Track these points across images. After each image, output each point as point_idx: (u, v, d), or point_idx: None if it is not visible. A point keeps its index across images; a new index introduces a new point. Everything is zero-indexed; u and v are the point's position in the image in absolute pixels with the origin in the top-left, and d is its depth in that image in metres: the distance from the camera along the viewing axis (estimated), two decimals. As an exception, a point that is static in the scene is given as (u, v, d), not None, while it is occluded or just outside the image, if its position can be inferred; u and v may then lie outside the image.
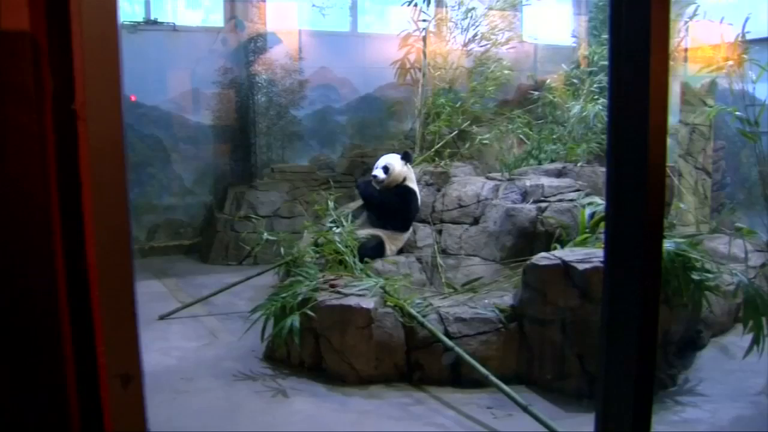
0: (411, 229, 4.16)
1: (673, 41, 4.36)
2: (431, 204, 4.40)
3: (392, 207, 3.99)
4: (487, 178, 4.56)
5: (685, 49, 4.59)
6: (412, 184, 4.13)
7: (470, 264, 3.87)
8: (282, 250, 3.67)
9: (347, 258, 3.42)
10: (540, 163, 4.77)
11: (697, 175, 4.50)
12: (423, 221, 4.34)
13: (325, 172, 5.94)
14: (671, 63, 4.36)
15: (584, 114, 4.68)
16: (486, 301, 3.06)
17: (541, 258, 2.87)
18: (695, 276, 2.59)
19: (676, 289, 2.55)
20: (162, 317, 3.68)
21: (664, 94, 1.08)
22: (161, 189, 5.73)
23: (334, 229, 3.68)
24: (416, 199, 4.13)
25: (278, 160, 5.91)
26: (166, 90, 5.60)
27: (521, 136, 4.99)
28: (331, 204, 3.92)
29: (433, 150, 4.95)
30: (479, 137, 4.93)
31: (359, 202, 4.37)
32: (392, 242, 4.03)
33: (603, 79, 4.73)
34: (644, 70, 1.04)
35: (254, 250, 4.65)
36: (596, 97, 4.80)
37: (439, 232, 4.24)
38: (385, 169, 4.03)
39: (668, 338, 2.72)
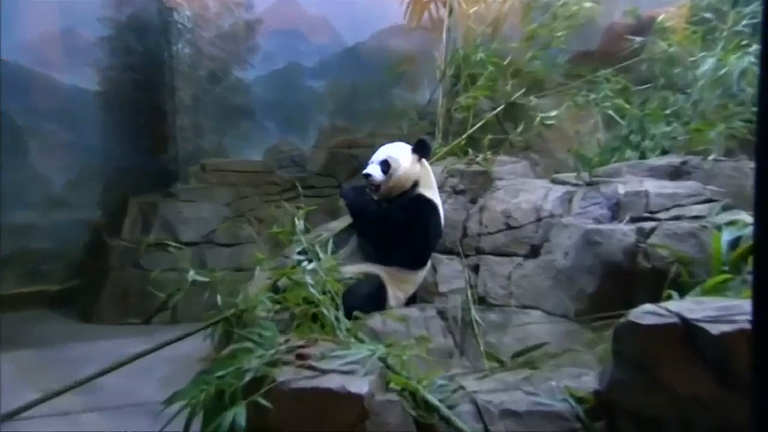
0: (428, 265, 4.36)
1: None
2: (462, 224, 4.61)
3: (398, 228, 4.21)
4: (553, 181, 4.74)
5: None
6: (430, 192, 4.37)
7: (526, 322, 4.01)
8: (219, 298, 3.72)
9: (325, 311, 3.50)
10: (643, 156, 4.89)
11: None
12: (448, 251, 4.52)
13: (290, 171, 6.07)
14: None
15: (722, 72, 4.64)
16: (553, 383, 3.12)
17: (646, 313, 2.90)
18: None
19: None
20: (6, 417, 3.69)
21: None
22: (10, 198, 5.79)
23: (305, 264, 3.78)
24: (436, 215, 4.36)
25: (213, 153, 6.08)
26: (17, 32, 5.63)
27: (611, 111, 5.12)
28: (299, 223, 4.02)
29: (464, 136, 5.13)
30: (541, 115, 5.10)
31: (346, 221, 4.53)
32: (398, 285, 4.24)
33: (757, 11, 4.63)
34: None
35: (172, 300, 4.66)
36: (744, 42, 4.72)
37: (475, 269, 4.42)
38: (385, 165, 4.30)
39: None
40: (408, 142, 4.50)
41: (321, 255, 3.87)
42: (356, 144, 5.94)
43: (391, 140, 4.62)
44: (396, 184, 4.32)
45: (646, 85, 5.31)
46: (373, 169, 4.29)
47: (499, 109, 5.29)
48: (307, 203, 4.35)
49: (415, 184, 4.35)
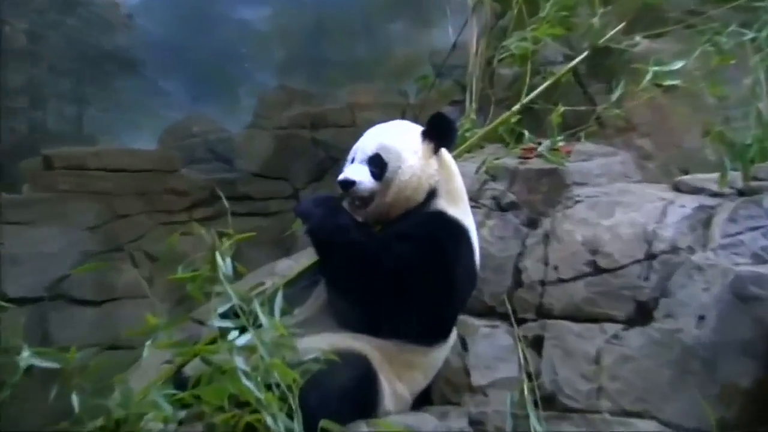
0: (453, 337, 4.48)
1: None
2: (513, 264, 4.71)
3: (401, 273, 4.22)
4: (678, 188, 4.80)
5: None
6: (456, 208, 4.47)
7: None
8: (75, 400, 3.68)
9: (270, 421, 3.52)
10: None
11: None
12: (488, 313, 4.64)
13: (208, 169, 6.09)
14: None
15: None
16: None
17: None
18: None
19: None
20: None
21: None
22: None
23: (233, 336, 3.77)
24: (468, 248, 4.45)
25: (66, 137, 6.23)
26: None
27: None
28: (223, 263, 4.00)
29: (517, 107, 5.22)
30: (654, 69, 5.12)
31: (306, 258, 4.58)
32: (400, 373, 4.30)
33: None
34: None
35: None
36: None
37: (536, 344, 4.50)
38: (377, 164, 4.39)
39: None
40: (417, 121, 4.54)
41: (262, 319, 3.84)
42: (324, 122, 5.81)
43: (387, 117, 4.66)
44: (397, 197, 4.37)
45: None
46: (357, 172, 4.35)
47: (579, 59, 5.34)
48: (238, 227, 4.32)
49: (431, 195, 4.41)
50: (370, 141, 4.42)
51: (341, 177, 4.31)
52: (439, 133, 4.44)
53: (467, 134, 5.08)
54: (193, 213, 5.34)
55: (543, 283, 4.60)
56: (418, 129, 4.46)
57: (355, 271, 4.31)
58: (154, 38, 6.07)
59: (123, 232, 5.58)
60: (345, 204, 4.39)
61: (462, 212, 4.47)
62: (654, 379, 4.12)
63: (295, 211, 4.64)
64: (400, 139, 4.39)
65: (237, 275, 4.13)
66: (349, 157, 4.46)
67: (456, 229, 4.42)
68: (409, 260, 4.26)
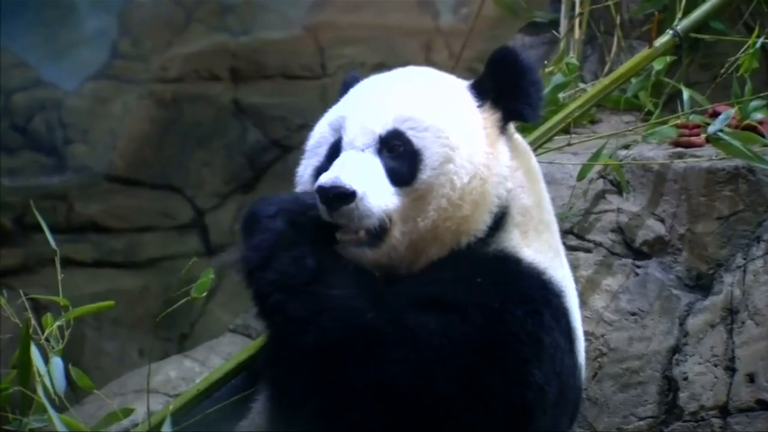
0: None
1: None
2: (660, 367, 3.92)
3: (429, 380, 3.07)
4: None
5: None
6: (539, 246, 3.52)
7: None
8: None
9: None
10: None
11: None
12: None
13: (7, 167, 5.40)
14: None
15: None
16: None
17: None
18: None
19: None
20: None
21: None
22: None
23: None
24: (563, 337, 3.40)
25: None
26: None
27: None
28: (45, 367, 3.10)
29: (667, 38, 4.32)
30: None
31: (225, 359, 3.63)
32: None
33: None
34: None
35: None
36: None
37: None
38: (397, 151, 3.33)
39: None
40: (453, 69, 3.86)
41: None
42: (259, 67, 4.95)
43: (393, 59, 4.08)
44: (444, 221, 3.25)
45: None
46: (357, 171, 3.20)
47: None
48: (77, 289, 3.64)
49: (498, 220, 3.40)
50: (377, 106, 3.30)
51: (326, 180, 3.13)
52: (511, 92, 3.19)
53: (561, 95, 3.77)
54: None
55: (725, 410, 3.29)
56: (463, 84, 3.28)
57: (337, 372, 3.09)
58: None
59: None
60: (337, 238, 3.26)
61: (548, 255, 3.46)
62: None
63: (243, 221, 3.43)
64: (441, 104, 3.19)
65: (77, 392, 3.15)
66: (318, 144, 3.24)
67: (543, 295, 3.27)
68: (450, 355, 3.07)
